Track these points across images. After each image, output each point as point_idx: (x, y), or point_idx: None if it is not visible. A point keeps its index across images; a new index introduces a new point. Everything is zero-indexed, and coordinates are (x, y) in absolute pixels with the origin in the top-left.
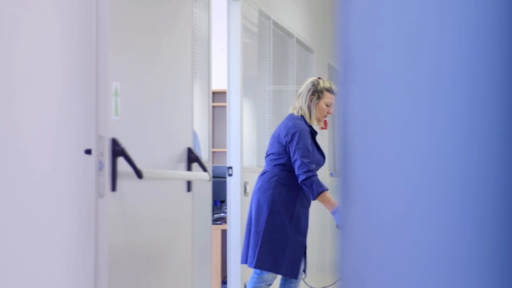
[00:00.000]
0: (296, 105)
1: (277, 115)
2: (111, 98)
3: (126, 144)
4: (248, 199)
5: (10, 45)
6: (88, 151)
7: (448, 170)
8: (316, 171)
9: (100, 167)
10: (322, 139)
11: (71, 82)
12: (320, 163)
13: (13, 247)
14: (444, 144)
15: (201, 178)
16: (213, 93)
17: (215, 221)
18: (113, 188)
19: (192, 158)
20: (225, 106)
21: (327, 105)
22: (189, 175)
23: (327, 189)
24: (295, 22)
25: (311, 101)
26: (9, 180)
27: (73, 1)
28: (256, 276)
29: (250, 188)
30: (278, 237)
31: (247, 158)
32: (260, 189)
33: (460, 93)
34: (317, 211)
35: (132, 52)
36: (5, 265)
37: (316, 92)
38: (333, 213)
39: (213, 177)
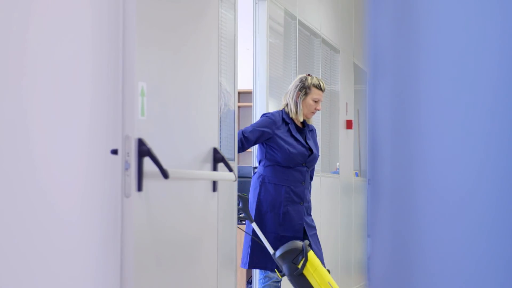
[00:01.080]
0: (283, 101)
1: None
2: (137, 98)
3: (152, 144)
4: None
5: (36, 46)
6: (115, 151)
7: (478, 172)
8: (304, 165)
9: (126, 167)
10: (347, 139)
11: (98, 82)
12: (300, 155)
13: (39, 248)
14: (476, 145)
15: (227, 178)
16: (239, 93)
17: (241, 221)
18: (139, 188)
19: (217, 158)
20: (250, 106)
21: (315, 101)
22: (214, 175)
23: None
24: (320, 22)
25: (298, 97)
26: (34, 180)
27: (100, 2)
28: (262, 277)
29: None
30: (270, 236)
31: None
32: (251, 189)
33: (497, 94)
34: (342, 211)
35: (159, 52)
36: (31, 265)
37: (304, 88)
38: None
39: (239, 177)
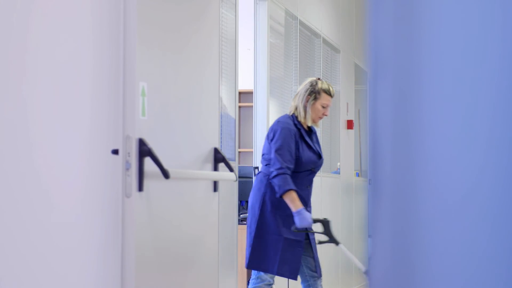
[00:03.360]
0: (292, 104)
1: None
2: (138, 99)
3: (153, 144)
4: None
5: (37, 46)
6: (115, 151)
7: (480, 171)
8: (312, 170)
9: (127, 167)
10: (348, 139)
11: (98, 82)
12: (311, 162)
13: (40, 248)
14: (478, 144)
15: (228, 178)
16: (240, 93)
17: (241, 221)
18: (140, 188)
19: (218, 158)
20: (251, 106)
21: (323, 107)
22: (215, 175)
23: (294, 189)
24: (321, 22)
25: (307, 101)
26: (36, 180)
27: (101, 2)
28: (254, 277)
29: None
30: (271, 237)
31: None
32: (254, 189)
33: (498, 93)
34: (342, 212)
35: (159, 53)
36: (33, 266)
37: (313, 93)
38: (295, 214)
39: (239, 177)
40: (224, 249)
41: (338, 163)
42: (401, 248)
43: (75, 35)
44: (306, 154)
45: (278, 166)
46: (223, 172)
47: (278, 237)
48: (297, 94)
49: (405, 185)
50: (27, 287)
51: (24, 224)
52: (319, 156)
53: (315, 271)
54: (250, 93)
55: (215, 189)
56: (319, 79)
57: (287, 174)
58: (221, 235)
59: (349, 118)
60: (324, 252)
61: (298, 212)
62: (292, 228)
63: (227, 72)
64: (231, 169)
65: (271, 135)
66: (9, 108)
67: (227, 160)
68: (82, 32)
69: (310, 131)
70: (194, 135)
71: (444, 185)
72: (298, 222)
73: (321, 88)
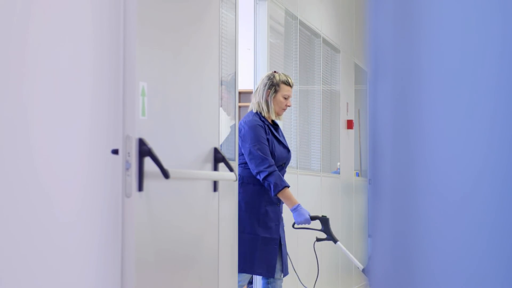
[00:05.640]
0: (253, 101)
1: (304, 115)
2: (138, 98)
3: (152, 144)
4: None
5: (37, 46)
6: (115, 151)
7: (479, 171)
8: (283, 166)
9: (127, 167)
10: (348, 139)
11: (98, 82)
12: (283, 157)
13: (40, 248)
14: (478, 144)
15: (228, 178)
16: (239, 93)
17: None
18: (140, 188)
19: (218, 158)
20: None
21: (285, 98)
22: (215, 175)
23: (288, 186)
24: (321, 22)
25: (268, 95)
26: (35, 180)
27: (101, 2)
28: (264, 282)
29: None
30: (247, 237)
31: None
32: None
33: (498, 94)
34: (342, 211)
35: (159, 52)
36: (31, 265)
37: (273, 86)
38: (293, 210)
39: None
40: (224, 249)
41: (338, 163)
42: (401, 248)
43: (75, 35)
44: (278, 149)
45: (266, 164)
46: (223, 172)
47: (254, 236)
48: (256, 91)
49: (405, 185)
50: (27, 287)
51: (24, 224)
52: (288, 150)
53: (282, 270)
54: (250, 93)
55: (215, 189)
56: (275, 71)
57: (277, 170)
58: (221, 235)
59: (349, 118)
60: (324, 252)
61: (295, 209)
62: (293, 225)
63: (227, 72)
64: (231, 169)
65: (243, 135)
66: (9, 108)
67: (227, 160)
68: (82, 32)
69: (275, 125)
70: (194, 134)
71: (444, 185)
72: (296, 218)
73: (279, 80)
